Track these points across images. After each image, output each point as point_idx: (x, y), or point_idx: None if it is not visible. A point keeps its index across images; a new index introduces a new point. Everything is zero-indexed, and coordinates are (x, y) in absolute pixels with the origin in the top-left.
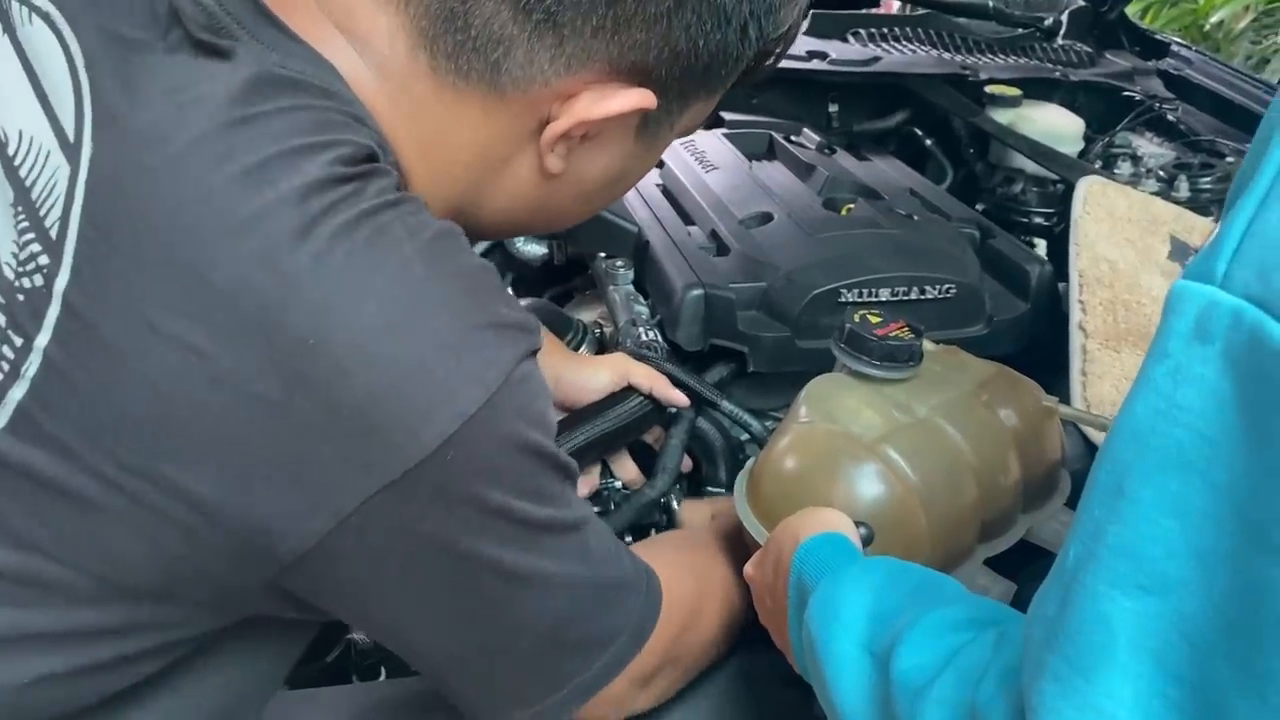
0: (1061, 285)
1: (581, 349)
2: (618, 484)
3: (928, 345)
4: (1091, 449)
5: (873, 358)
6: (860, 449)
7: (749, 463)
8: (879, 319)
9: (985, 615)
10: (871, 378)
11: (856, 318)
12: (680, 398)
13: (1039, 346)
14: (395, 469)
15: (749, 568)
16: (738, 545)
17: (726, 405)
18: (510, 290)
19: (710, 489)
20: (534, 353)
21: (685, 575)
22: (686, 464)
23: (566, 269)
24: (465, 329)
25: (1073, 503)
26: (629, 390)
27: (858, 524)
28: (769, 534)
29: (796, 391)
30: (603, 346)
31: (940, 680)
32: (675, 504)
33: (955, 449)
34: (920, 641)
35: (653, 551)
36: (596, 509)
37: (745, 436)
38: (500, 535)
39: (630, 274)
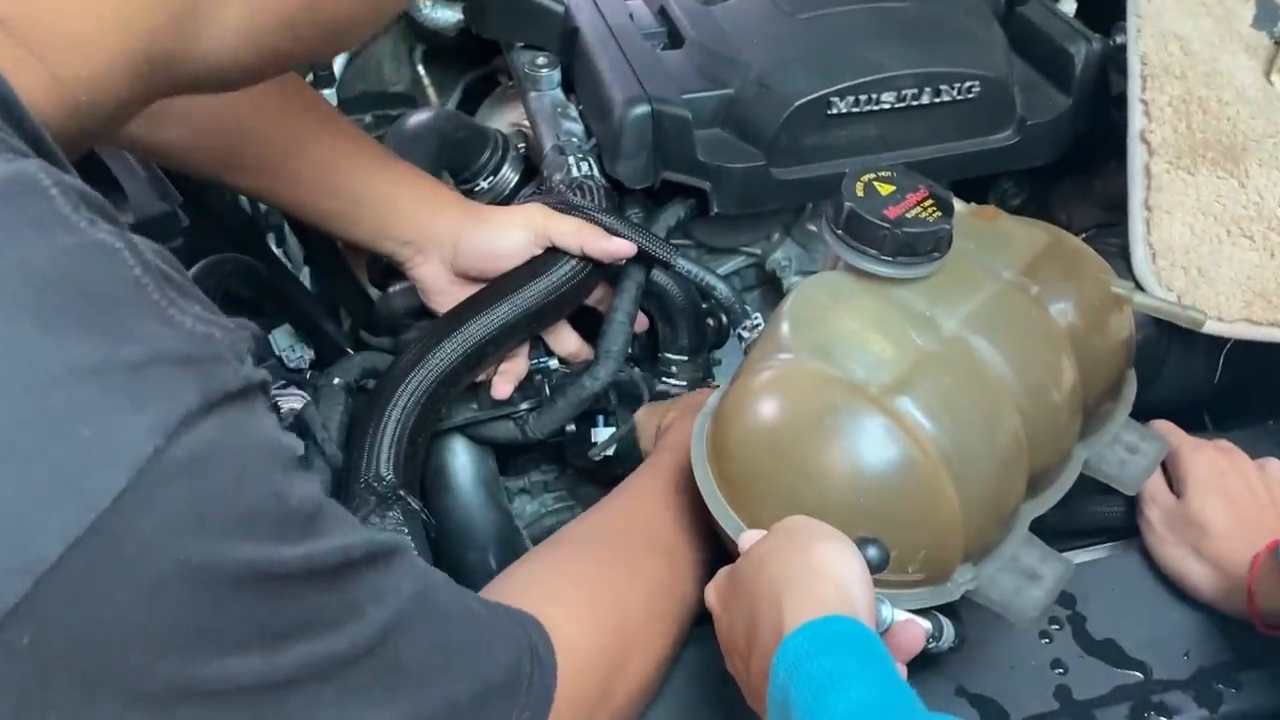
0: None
1: (501, 173)
2: (552, 363)
3: (958, 207)
4: (1161, 328)
5: (883, 251)
6: (864, 401)
7: (711, 399)
8: (890, 188)
9: None
10: (881, 277)
11: (859, 187)
12: (621, 247)
13: (1086, 153)
14: None
15: (712, 595)
16: (693, 489)
17: (684, 264)
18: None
19: (669, 355)
20: (233, 396)
21: (598, 615)
22: (641, 322)
23: (493, 42)
24: (62, 382)
25: (1143, 411)
26: (554, 254)
27: (863, 542)
28: (738, 530)
29: (775, 227)
30: (530, 167)
31: None
32: (637, 381)
33: (994, 380)
34: None
35: (549, 572)
36: (525, 404)
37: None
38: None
39: (556, 74)
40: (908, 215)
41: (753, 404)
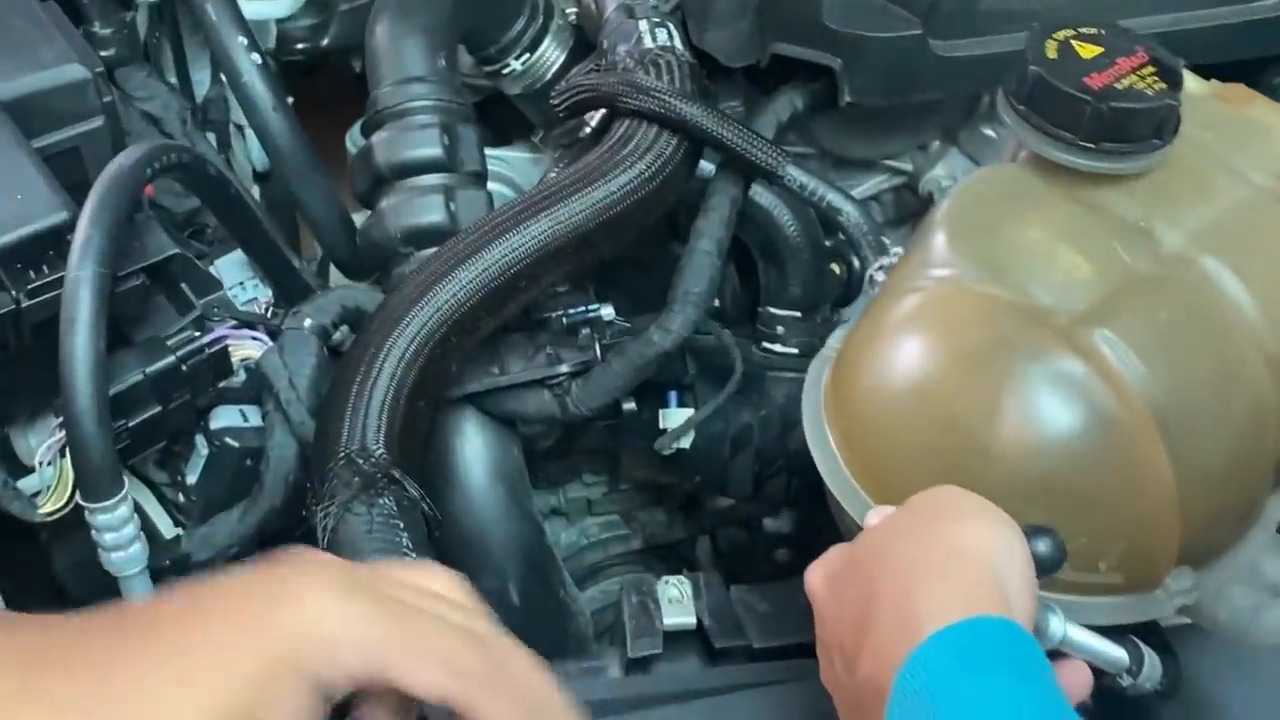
0: None
1: (541, 49)
2: (606, 312)
3: (1192, 85)
4: None
5: (1082, 134)
6: (1049, 335)
7: (833, 338)
8: (1094, 50)
9: None
10: (1078, 172)
11: (1050, 47)
12: None
13: None
14: None
15: (817, 576)
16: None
17: (798, 176)
18: None
19: (773, 310)
20: None
21: None
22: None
23: None
24: None
25: None
26: (616, 149)
27: (1032, 532)
28: (864, 509)
29: (933, 129)
30: (582, 42)
31: None
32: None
33: (1233, 317)
34: None
35: None
36: (566, 367)
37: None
38: None
39: None
40: (1118, 86)
41: (892, 339)
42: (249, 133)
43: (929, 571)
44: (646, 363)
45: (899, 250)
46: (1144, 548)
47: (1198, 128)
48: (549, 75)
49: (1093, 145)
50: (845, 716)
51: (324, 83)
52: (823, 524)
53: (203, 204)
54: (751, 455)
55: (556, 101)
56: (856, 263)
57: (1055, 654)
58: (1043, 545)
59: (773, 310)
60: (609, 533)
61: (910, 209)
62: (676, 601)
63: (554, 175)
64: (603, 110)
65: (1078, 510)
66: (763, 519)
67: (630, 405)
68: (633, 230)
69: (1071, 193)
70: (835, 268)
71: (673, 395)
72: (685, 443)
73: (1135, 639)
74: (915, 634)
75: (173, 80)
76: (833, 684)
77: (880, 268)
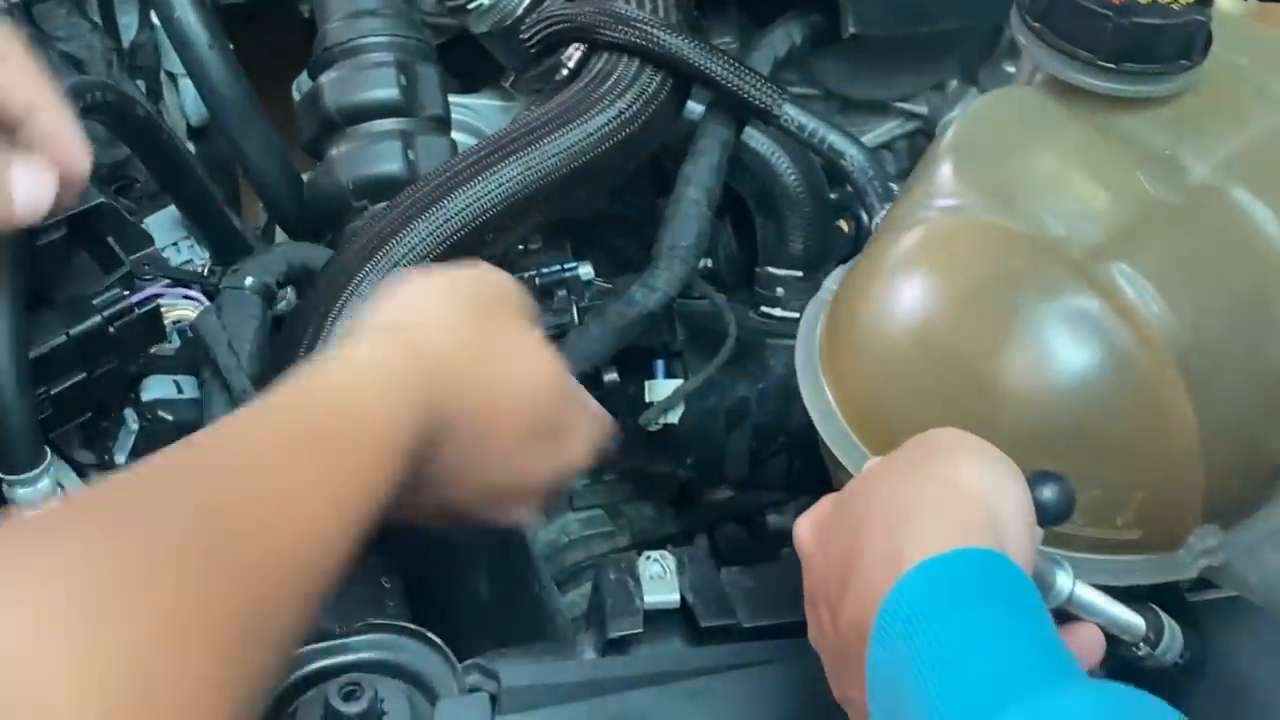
0: None
1: None
2: (584, 271)
3: (1226, 3)
4: None
5: (1103, 53)
6: (1062, 268)
7: (830, 278)
8: None
9: None
10: (1098, 96)
11: None
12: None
13: None
14: None
15: (804, 527)
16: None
17: (796, 115)
18: None
19: (771, 270)
20: None
21: None
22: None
23: None
24: None
25: None
26: (590, 87)
27: (1037, 478)
28: (861, 461)
29: (949, 66)
30: None
31: None
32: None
33: (1265, 252)
34: None
35: None
36: (557, 320)
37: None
38: None
39: None
40: (1142, 0)
41: (892, 276)
42: (183, 83)
43: (917, 505)
44: (628, 325)
45: None
46: (1164, 501)
47: (1230, 49)
48: (520, 10)
49: (1113, 66)
50: (831, 672)
51: (268, 31)
52: None
53: (131, 152)
54: (748, 432)
55: (527, 35)
56: (864, 216)
57: (1064, 616)
58: (1048, 491)
59: (771, 270)
60: (591, 530)
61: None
62: (659, 578)
63: (524, 115)
64: (580, 47)
65: (1092, 459)
66: (765, 514)
67: (612, 376)
68: (613, 177)
69: (1090, 118)
70: (842, 224)
71: (659, 365)
72: (674, 417)
73: (1155, 606)
74: (899, 567)
75: (96, 20)
76: (818, 640)
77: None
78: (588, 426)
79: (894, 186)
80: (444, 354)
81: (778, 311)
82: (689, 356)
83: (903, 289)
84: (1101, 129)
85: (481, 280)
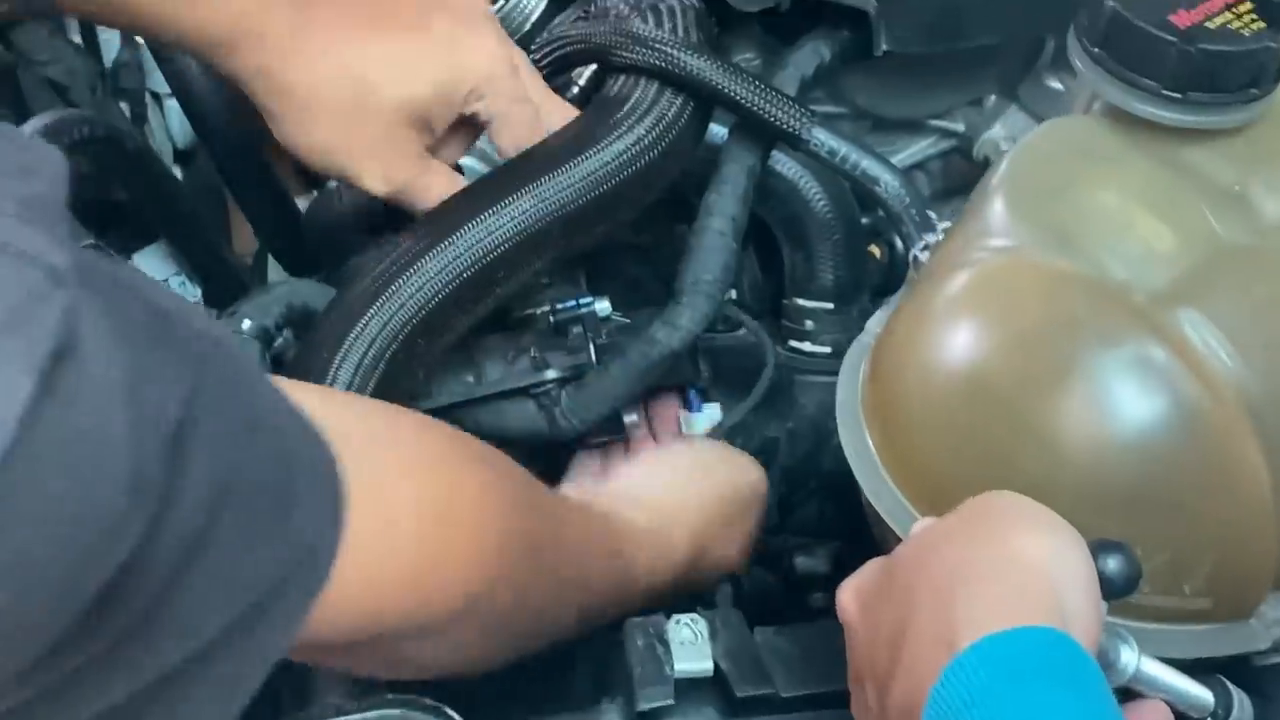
0: None
1: None
2: (600, 306)
3: None
4: None
5: (1167, 81)
6: (1125, 315)
7: (873, 320)
8: None
9: None
10: (1162, 127)
11: None
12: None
13: None
14: None
15: (847, 596)
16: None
17: (825, 139)
18: None
19: (801, 301)
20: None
21: (439, 491)
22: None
23: None
24: None
25: None
26: (604, 109)
27: (1102, 547)
28: (908, 521)
29: (988, 82)
30: None
31: None
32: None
33: None
34: None
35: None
36: (554, 372)
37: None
38: None
39: None
40: (1209, 25)
41: (941, 320)
42: (169, 103)
43: (973, 578)
44: (650, 366)
45: (948, 226)
46: (1236, 566)
47: None
48: (528, 26)
49: (1179, 95)
50: None
51: None
52: (867, 559)
53: (122, 187)
54: (777, 477)
55: (538, 56)
56: (899, 243)
57: (1128, 693)
58: (1113, 562)
59: (800, 302)
60: None
61: (963, 177)
62: (690, 643)
63: (536, 143)
64: (593, 66)
65: (1157, 521)
66: (794, 555)
67: (632, 418)
68: (631, 209)
69: (1153, 150)
70: (874, 250)
71: (692, 395)
72: None
73: (1222, 678)
74: (954, 645)
75: (77, 40)
76: (862, 718)
77: (925, 247)
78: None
79: (931, 214)
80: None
81: (807, 346)
82: (715, 394)
83: (952, 336)
84: (1166, 163)
85: None
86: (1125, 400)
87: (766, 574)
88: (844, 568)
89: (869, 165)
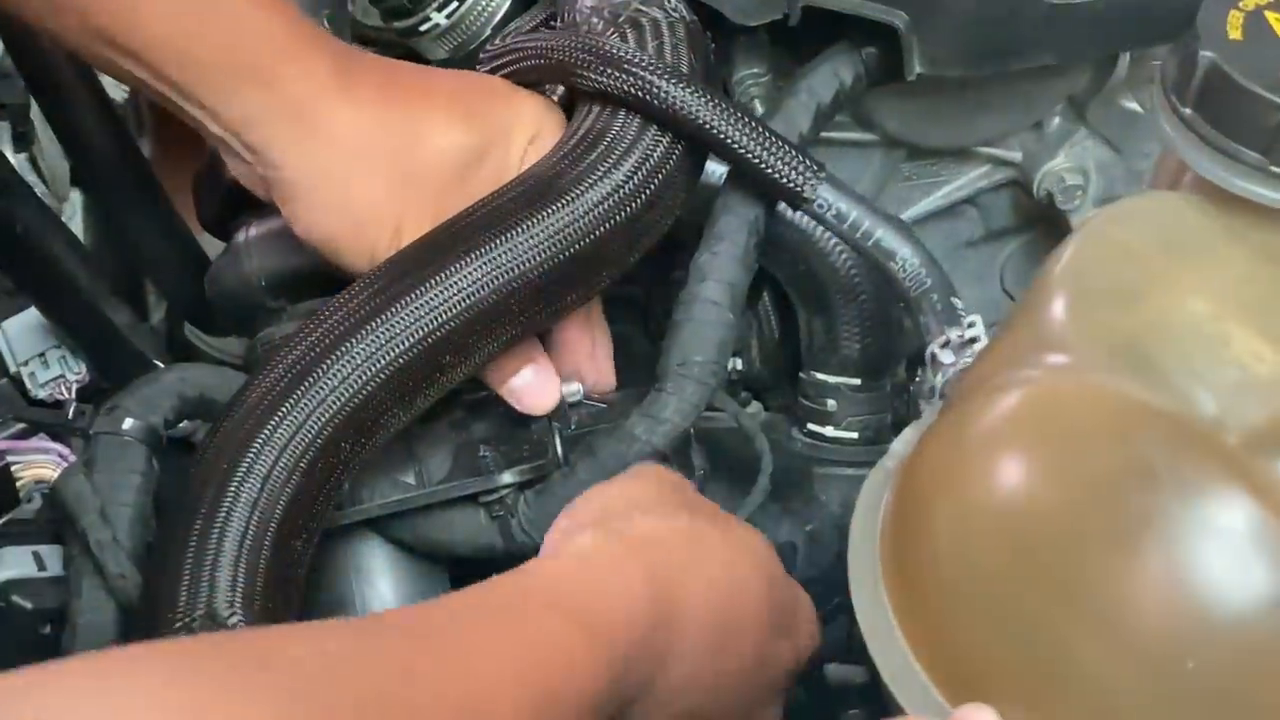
0: None
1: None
2: (570, 391)
3: None
4: None
5: (1275, 154)
6: (1214, 461)
7: (895, 445)
8: None
9: None
10: (1269, 211)
11: (1234, 22)
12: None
13: None
14: None
15: None
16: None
17: (828, 197)
18: None
19: (819, 375)
20: None
21: None
22: None
23: None
24: None
25: None
26: (580, 155)
27: None
28: (938, 713)
29: (1046, 103)
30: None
31: None
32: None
33: None
34: None
35: None
36: (511, 474)
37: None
38: None
39: None
40: None
41: (982, 459)
42: None
43: None
44: (626, 469)
45: (975, 320)
46: None
47: None
48: (487, 31)
49: None
50: None
51: None
52: None
53: None
54: None
55: (486, 68)
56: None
57: None
58: None
59: (820, 377)
60: None
61: (1021, 216)
62: None
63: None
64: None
65: None
66: (824, 666)
67: None
68: (609, 273)
69: (1258, 243)
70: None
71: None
72: None
73: None
74: None
75: None
76: None
77: (946, 344)
78: (807, 600)
79: (958, 303)
80: (665, 541)
81: (829, 430)
82: (712, 490)
83: (993, 480)
84: (1274, 258)
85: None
86: (1214, 573)
87: (795, 688)
88: (880, 677)
89: (884, 236)
